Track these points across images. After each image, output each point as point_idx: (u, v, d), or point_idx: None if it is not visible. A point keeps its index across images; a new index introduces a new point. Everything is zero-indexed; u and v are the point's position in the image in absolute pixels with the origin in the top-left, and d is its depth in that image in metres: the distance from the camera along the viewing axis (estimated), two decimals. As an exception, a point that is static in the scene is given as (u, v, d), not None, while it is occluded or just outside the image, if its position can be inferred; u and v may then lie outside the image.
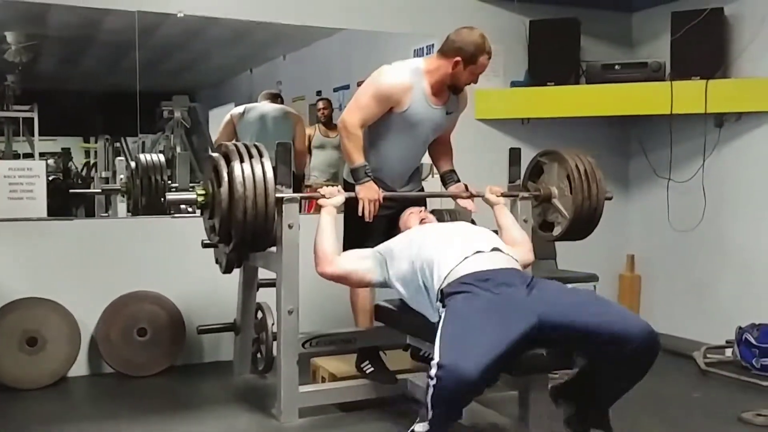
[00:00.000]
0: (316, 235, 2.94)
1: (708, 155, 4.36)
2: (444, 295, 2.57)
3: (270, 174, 2.79)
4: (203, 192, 2.87)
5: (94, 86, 5.77)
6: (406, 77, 3.10)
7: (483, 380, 2.23)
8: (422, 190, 3.46)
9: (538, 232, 3.50)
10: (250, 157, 2.79)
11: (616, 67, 4.43)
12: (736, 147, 4.28)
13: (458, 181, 3.38)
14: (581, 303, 2.56)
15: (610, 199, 3.40)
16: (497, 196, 3.27)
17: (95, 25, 4.81)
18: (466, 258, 2.65)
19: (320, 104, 5.22)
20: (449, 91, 3.18)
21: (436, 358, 2.26)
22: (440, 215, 3.70)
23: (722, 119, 4.30)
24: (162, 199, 4.09)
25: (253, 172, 2.76)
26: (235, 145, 2.83)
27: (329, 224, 2.97)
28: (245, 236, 2.77)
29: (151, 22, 4.29)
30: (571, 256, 4.28)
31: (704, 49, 4.20)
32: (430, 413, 2.31)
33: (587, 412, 2.67)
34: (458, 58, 3.06)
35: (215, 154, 2.84)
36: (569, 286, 2.91)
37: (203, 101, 5.72)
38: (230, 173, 2.74)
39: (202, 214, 2.99)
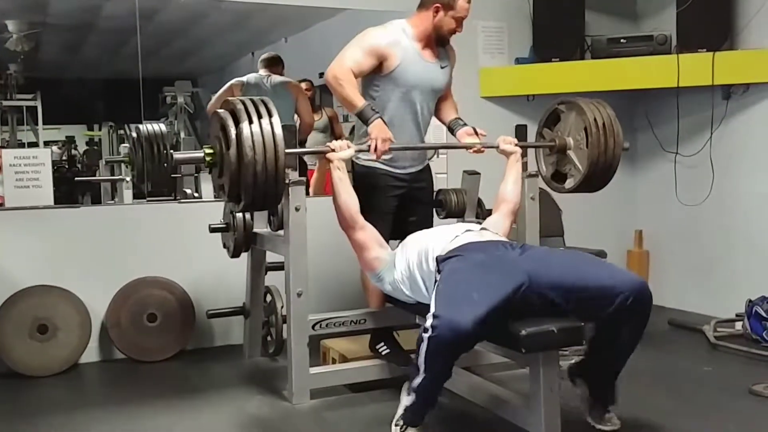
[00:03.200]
0: (336, 191, 2.91)
1: (715, 128, 4.33)
2: (439, 263, 2.65)
3: (279, 134, 2.67)
4: (211, 151, 2.75)
5: (96, 73, 5.77)
6: (391, 33, 3.13)
7: (476, 332, 2.32)
8: (428, 167, 3.44)
9: (551, 183, 3.41)
10: (259, 117, 2.66)
11: (622, 41, 4.39)
12: (744, 119, 4.25)
13: (465, 125, 3.33)
14: (570, 261, 2.66)
15: (626, 149, 3.28)
16: (513, 145, 3.20)
17: (96, 12, 4.80)
18: (456, 237, 2.75)
19: (303, 85, 4.94)
20: (437, 45, 3.19)
21: (432, 310, 2.36)
22: (447, 194, 3.70)
23: (729, 91, 4.26)
24: (165, 164, 4.06)
25: (262, 133, 2.63)
26: (243, 104, 2.69)
27: (342, 181, 2.92)
28: (256, 197, 2.69)
29: (152, 7, 4.28)
30: (579, 232, 4.27)
31: (710, 20, 4.15)
32: (419, 379, 2.39)
33: (600, 389, 2.69)
34: (437, 5, 3.09)
35: (222, 111, 2.71)
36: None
37: (205, 86, 5.71)
38: (238, 135, 2.62)
39: (210, 172, 2.90)
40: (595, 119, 3.17)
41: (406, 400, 2.50)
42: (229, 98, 2.76)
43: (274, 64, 4.71)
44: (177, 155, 2.88)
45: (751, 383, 3.14)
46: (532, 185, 3.39)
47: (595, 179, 3.26)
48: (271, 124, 2.67)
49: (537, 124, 3.82)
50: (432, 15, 3.11)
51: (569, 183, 3.33)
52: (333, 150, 2.96)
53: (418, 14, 3.17)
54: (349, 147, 2.99)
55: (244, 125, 2.63)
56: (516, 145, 3.22)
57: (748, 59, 4.13)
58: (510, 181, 3.15)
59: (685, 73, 4.14)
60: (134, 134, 4.20)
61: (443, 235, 2.80)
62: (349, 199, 2.91)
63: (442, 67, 3.25)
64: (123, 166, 4.33)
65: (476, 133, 3.29)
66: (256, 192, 2.66)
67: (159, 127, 4.20)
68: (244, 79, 4.58)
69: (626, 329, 2.53)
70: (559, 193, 3.44)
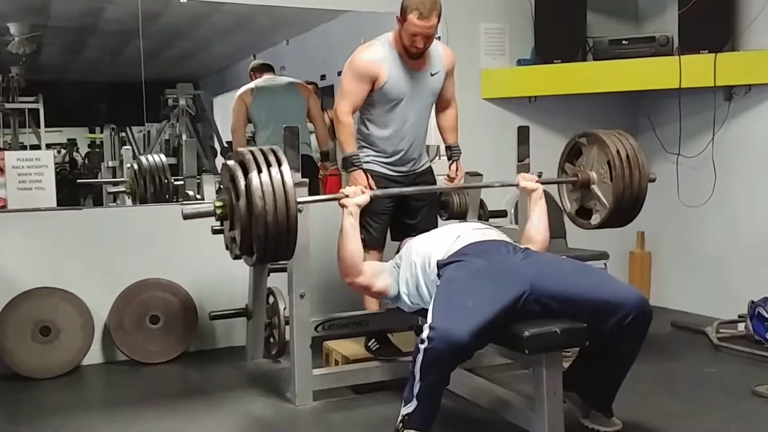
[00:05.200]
0: (340, 239, 2.82)
1: (717, 129, 4.33)
2: (439, 268, 2.64)
3: (290, 183, 2.61)
4: (221, 204, 2.71)
5: (98, 76, 5.78)
6: (377, 50, 3.15)
7: (473, 343, 2.31)
8: (430, 168, 3.47)
9: (576, 219, 3.29)
10: (268, 166, 2.61)
11: (624, 42, 4.38)
12: (746, 120, 4.24)
13: (452, 157, 3.43)
14: (574, 271, 2.62)
15: (653, 180, 3.15)
16: (534, 183, 3.05)
17: (97, 14, 4.81)
18: (459, 237, 2.73)
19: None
20: (426, 52, 3.19)
21: (429, 321, 2.35)
22: (450, 196, 3.71)
23: (731, 92, 4.26)
24: (167, 196, 4.17)
25: (272, 183, 2.58)
26: (252, 153, 2.65)
27: (353, 228, 2.81)
28: (267, 249, 2.64)
29: (154, 9, 4.28)
30: (581, 233, 4.23)
31: (712, 21, 4.15)
32: (417, 386, 2.37)
33: (597, 402, 2.70)
34: (398, 17, 3.09)
35: (231, 163, 2.68)
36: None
37: (207, 88, 5.71)
38: (248, 186, 2.57)
39: (221, 225, 2.84)
40: (618, 151, 3.02)
41: (406, 407, 2.43)
42: (239, 149, 2.71)
43: (269, 68, 4.73)
44: (186, 210, 2.75)
45: (754, 384, 3.14)
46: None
47: (622, 214, 3.10)
48: (281, 172, 2.60)
49: (539, 126, 3.84)
50: (399, 28, 3.11)
51: (595, 218, 3.18)
52: (347, 196, 2.84)
53: (397, 25, 3.14)
54: (363, 192, 2.87)
55: (253, 175, 2.57)
56: (537, 181, 3.06)
57: (750, 60, 4.13)
58: (534, 221, 2.98)
59: (687, 74, 4.13)
60: (136, 166, 4.23)
61: (447, 236, 2.78)
62: (355, 249, 2.81)
63: (432, 74, 3.25)
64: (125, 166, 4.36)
65: (457, 168, 3.41)
66: (269, 244, 2.60)
67: (160, 158, 4.25)
68: (252, 85, 4.58)
69: (624, 344, 2.52)
70: (585, 229, 3.28)
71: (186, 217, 2.75)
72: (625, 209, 3.08)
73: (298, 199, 2.67)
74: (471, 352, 2.41)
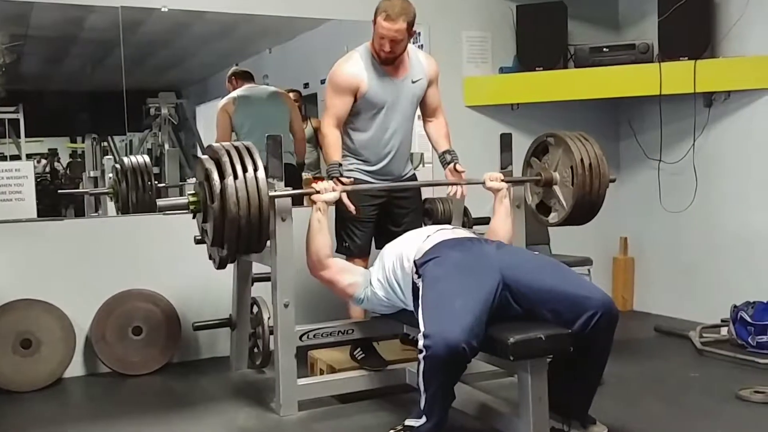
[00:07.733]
0: (308, 233, 2.94)
1: (698, 135, 4.37)
2: (417, 266, 2.68)
3: (264, 186, 2.70)
4: (195, 199, 2.78)
5: (79, 85, 5.72)
6: (355, 62, 3.15)
7: (468, 341, 2.31)
8: (414, 176, 3.47)
9: (536, 214, 3.44)
10: (244, 171, 2.68)
11: (604, 49, 4.42)
12: (726, 126, 4.29)
13: (452, 160, 3.29)
14: (543, 265, 2.69)
15: (613, 181, 3.33)
16: (499, 182, 3.19)
17: (78, 23, 4.76)
18: (429, 236, 2.79)
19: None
20: (405, 60, 3.18)
21: (422, 329, 2.37)
22: (433, 204, 3.71)
23: (711, 99, 4.30)
24: (150, 194, 4.08)
25: (246, 187, 2.65)
26: (228, 154, 2.70)
27: (320, 224, 2.94)
28: (239, 247, 2.74)
29: (135, 18, 4.26)
30: (565, 240, 4.29)
31: (691, 28, 4.20)
32: (423, 398, 2.39)
33: (573, 413, 2.68)
34: (373, 21, 3.09)
35: (206, 158, 2.74)
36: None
37: (190, 97, 5.67)
38: (223, 191, 2.64)
39: (194, 217, 2.90)
40: (582, 159, 3.16)
41: (413, 421, 2.46)
42: (214, 145, 2.77)
43: (249, 77, 4.70)
44: (160, 203, 2.88)
45: (738, 388, 3.16)
46: (517, 194, 3.40)
47: (580, 217, 3.30)
48: (256, 178, 2.69)
49: (521, 133, 3.85)
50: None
51: (553, 217, 3.36)
52: (318, 192, 2.96)
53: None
54: (334, 189, 2.97)
55: (229, 180, 2.63)
56: (502, 180, 3.20)
57: (729, 67, 4.17)
58: (500, 219, 3.13)
59: (668, 80, 4.17)
60: (118, 166, 4.21)
61: (416, 237, 2.84)
62: (321, 245, 2.95)
63: (413, 81, 3.24)
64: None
65: (456, 170, 3.26)
66: (240, 242, 2.71)
67: (143, 159, 4.22)
68: (235, 94, 4.56)
69: (593, 347, 2.52)
70: (543, 225, 3.48)
71: (160, 209, 2.84)
72: (583, 213, 3.27)
73: (270, 193, 2.76)
74: (467, 354, 2.36)
